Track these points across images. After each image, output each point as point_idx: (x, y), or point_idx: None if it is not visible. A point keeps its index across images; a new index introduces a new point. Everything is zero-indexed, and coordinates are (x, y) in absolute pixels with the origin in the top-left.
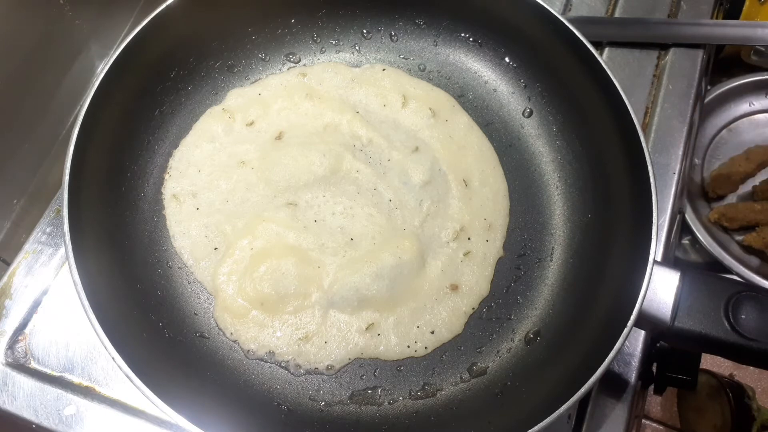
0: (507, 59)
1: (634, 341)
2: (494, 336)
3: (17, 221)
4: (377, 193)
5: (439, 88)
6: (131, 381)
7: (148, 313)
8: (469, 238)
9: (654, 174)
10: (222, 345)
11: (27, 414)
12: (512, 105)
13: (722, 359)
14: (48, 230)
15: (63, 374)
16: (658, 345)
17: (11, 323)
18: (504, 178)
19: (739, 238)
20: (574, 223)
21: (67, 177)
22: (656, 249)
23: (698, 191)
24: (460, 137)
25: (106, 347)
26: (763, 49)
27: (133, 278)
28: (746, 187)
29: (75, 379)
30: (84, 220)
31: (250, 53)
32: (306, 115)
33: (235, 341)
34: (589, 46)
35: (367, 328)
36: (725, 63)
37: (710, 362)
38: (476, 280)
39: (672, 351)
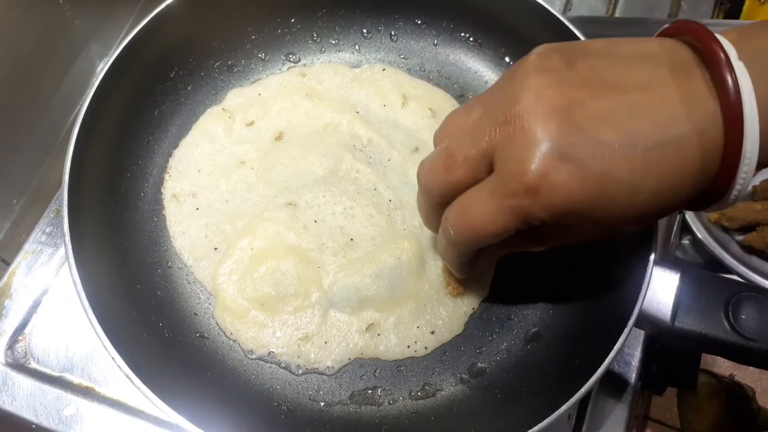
0: (507, 59)
1: (634, 341)
2: (494, 336)
3: (17, 221)
4: (377, 193)
5: (439, 88)
6: (131, 381)
7: (148, 313)
8: None
9: None
10: (222, 345)
11: (27, 414)
12: None
13: (722, 359)
14: (48, 230)
15: (63, 374)
16: (658, 345)
17: (11, 323)
18: None
19: (739, 238)
20: None
21: (67, 177)
22: (656, 249)
23: None
24: None
25: (106, 347)
26: None
27: (133, 278)
28: None
29: (75, 379)
30: (84, 220)
31: (250, 53)
32: (306, 115)
33: (235, 341)
34: None
35: (367, 328)
36: None
37: (710, 362)
38: (476, 281)
39: (672, 351)
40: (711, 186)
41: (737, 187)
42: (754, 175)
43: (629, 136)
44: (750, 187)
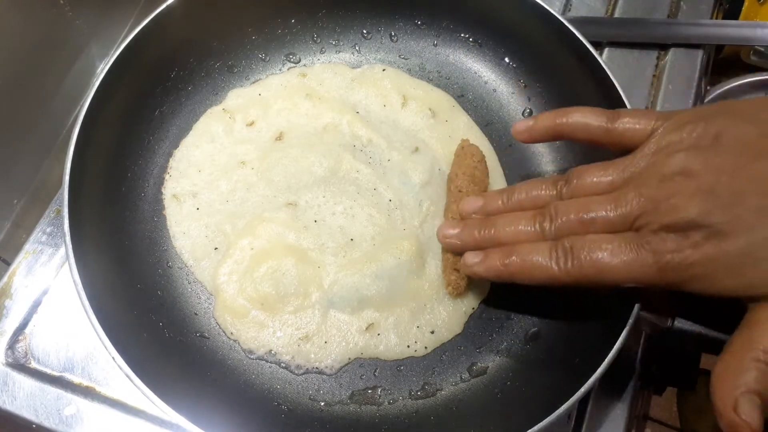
0: (507, 59)
1: (634, 341)
2: (494, 336)
3: (17, 221)
4: (377, 194)
5: (439, 88)
6: (131, 381)
7: (148, 313)
8: None
9: None
10: (222, 345)
11: (27, 414)
12: (512, 105)
13: None
14: (48, 230)
15: (63, 374)
16: (658, 345)
17: (11, 323)
18: (504, 177)
19: None
20: None
21: (67, 177)
22: None
23: None
24: (460, 137)
25: (106, 347)
26: (762, 49)
27: (133, 278)
28: None
29: (75, 379)
30: (84, 220)
31: (250, 53)
32: (306, 115)
33: (235, 341)
34: (588, 46)
35: (367, 328)
36: (725, 63)
37: (710, 362)
38: (476, 280)
39: (672, 351)
40: None
41: None
42: None
43: None
44: None
